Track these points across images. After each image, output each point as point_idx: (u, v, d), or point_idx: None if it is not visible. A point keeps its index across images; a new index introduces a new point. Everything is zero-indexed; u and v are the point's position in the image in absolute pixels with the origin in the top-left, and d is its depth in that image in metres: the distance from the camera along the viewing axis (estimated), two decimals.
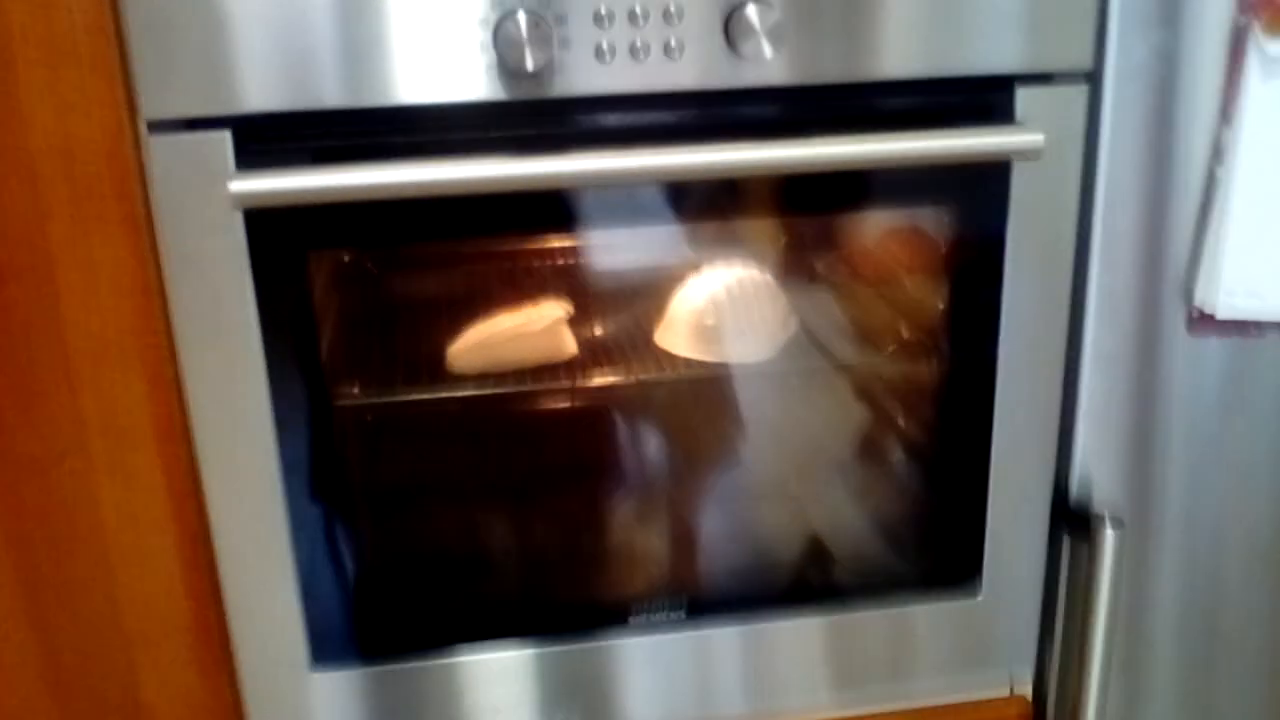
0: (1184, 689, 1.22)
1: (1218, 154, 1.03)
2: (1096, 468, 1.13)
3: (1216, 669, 1.22)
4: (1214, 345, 1.10)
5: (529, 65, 0.91)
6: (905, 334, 1.15)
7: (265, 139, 0.91)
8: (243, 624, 1.05)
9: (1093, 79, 1.01)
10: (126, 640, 1.05)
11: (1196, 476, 1.14)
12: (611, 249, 1.11)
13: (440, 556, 1.13)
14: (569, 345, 1.16)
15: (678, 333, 1.17)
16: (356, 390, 1.06)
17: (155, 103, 0.90)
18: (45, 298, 0.94)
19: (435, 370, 1.10)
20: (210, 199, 0.92)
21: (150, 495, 1.00)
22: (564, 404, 1.16)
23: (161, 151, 0.91)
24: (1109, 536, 1.10)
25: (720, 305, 1.16)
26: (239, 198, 0.89)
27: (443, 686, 1.10)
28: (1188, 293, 1.07)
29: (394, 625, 1.09)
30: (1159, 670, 1.21)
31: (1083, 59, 1.00)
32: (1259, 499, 1.16)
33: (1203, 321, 1.07)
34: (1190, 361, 1.10)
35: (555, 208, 1.00)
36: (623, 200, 1.02)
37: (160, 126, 0.90)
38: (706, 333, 1.17)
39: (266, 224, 0.93)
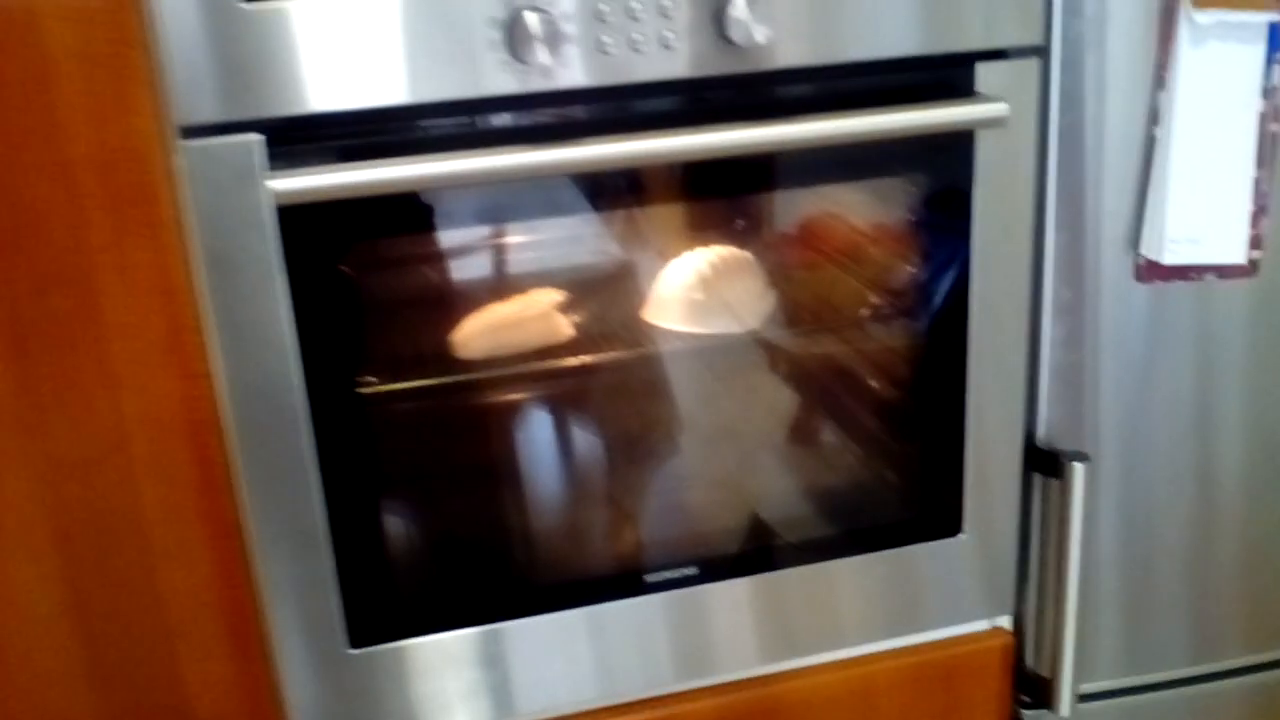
0: (1127, 608, 1.31)
1: (1154, 116, 1.13)
2: (1056, 411, 1.23)
3: (1154, 586, 1.30)
4: (1142, 294, 1.19)
5: (538, 60, 0.97)
6: (881, 298, 1.24)
7: (295, 140, 0.96)
8: (280, 611, 1.08)
9: (1041, 53, 1.11)
10: (167, 632, 1.08)
11: (1132, 416, 1.23)
12: (603, 233, 1.17)
13: (469, 534, 1.18)
14: (565, 328, 1.22)
15: (667, 309, 1.24)
16: (380, 379, 1.11)
17: (188, 109, 0.94)
18: (86, 303, 0.97)
19: (445, 357, 1.15)
20: (243, 200, 0.96)
21: (188, 490, 1.04)
22: (565, 383, 1.22)
23: (194, 156, 0.95)
24: (1077, 471, 1.20)
25: (705, 280, 1.23)
26: (278, 195, 0.93)
27: (478, 658, 1.16)
28: (1135, 243, 1.17)
29: (426, 603, 1.14)
30: (1106, 592, 1.29)
31: (1034, 34, 1.10)
32: (1184, 430, 1.25)
33: (1149, 269, 1.18)
34: (1128, 309, 1.19)
35: (562, 192, 1.06)
36: (614, 184, 1.09)
37: (193, 132, 0.94)
38: (694, 307, 1.24)
39: (299, 222, 0.98)
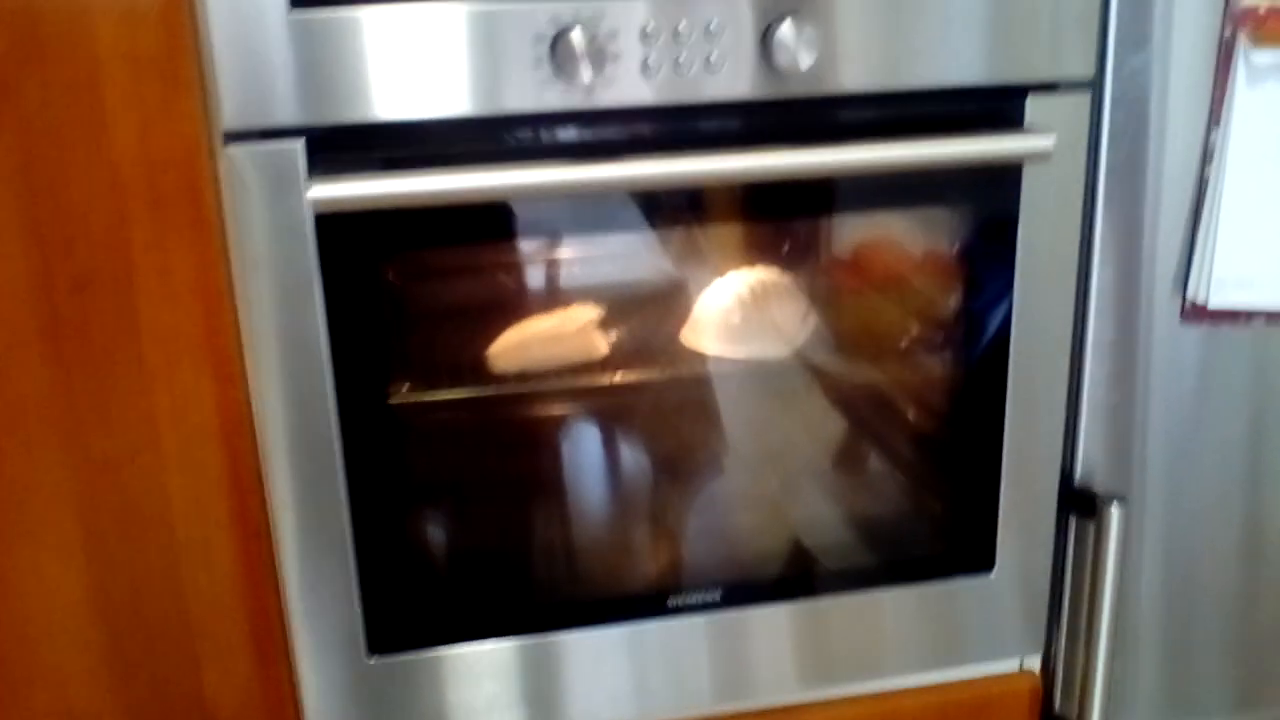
0: (1169, 655, 1.29)
1: (1208, 155, 1.11)
2: (1095, 451, 1.21)
3: (1197, 634, 1.29)
4: (1193, 337, 1.17)
5: (583, 78, 0.97)
6: (922, 328, 1.22)
7: (336, 148, 0.97)
8: (302, 615, 1.09)
9: (1094, 87, 1.10)
10: (190, 632, 1.09)
11: (1178, 458, 1.21)
12: (644, 251, 1.17)
13: (494, 547, 1.18)
14: (601, 345, 1.21)
15: (705, 331, 1.24)
16: (411, 389, 1.11)
17: (232, 114, 0.94)
18: (123, 301, 0.98)
19: (479, 370, 1.15)
20: (283, 206, 0.97)
21: (216, 490, 1.05)
22: (598, 401, 1.22)
23: (237, 161, 0.96)
24: (1114, 514, 1.17)
25: (744, 304, 1.23)
26: (316, 203, 0.94)
27: (502, 672, 1.15)
28: (1182, 285, 1.15)
29: (448, 613, 1.14)
30: (1146, 638, 1.28)
31: (1085, 69, 1.08)
32: (1234, 476, 1.24)
33: (1195, 311, 1.15)
34: (1175, 351, 1.18)
35: (598, 211, 1.06)
36: (657, 204, 1.09)
37: (236, 137, 0.95)
38: (732, 330, 1.23)
39: (337, 230, 0.98)
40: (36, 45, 0.91)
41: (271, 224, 0.98)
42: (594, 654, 1.17)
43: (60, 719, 1.09)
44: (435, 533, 1.14)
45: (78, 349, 0.99)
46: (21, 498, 1.02)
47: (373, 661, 1.11)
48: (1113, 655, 1.23)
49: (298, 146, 0.96)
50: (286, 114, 0.95)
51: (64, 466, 1.01)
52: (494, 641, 1.15)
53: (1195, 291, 1.14)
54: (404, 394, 1.11)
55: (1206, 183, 1.11)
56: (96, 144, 0.94)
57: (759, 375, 1.25)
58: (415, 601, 1.12)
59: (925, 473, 1.26)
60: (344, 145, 0.97)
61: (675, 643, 1.19)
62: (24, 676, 1.07)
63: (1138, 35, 1.09)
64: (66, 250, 0.96)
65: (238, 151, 0.96)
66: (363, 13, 0.94)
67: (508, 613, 1.15)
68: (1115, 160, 1.12)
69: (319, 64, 0.94)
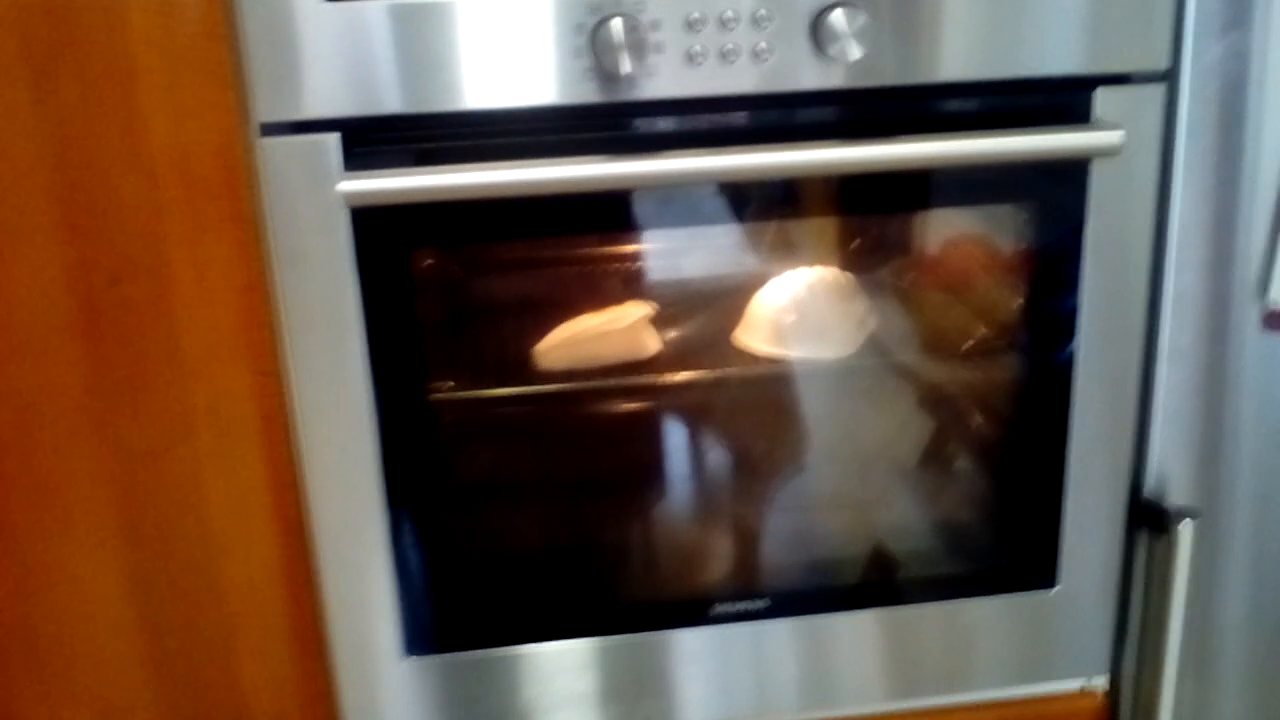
0: (1255, 683, 1.23)
1: None
2: (1170, 463, 1.15)
3: None
4: None
5: (624, 69, 0.94)
6: (982, 332, 1.17)
7: (372, 141, 0.95)
8: (338, 612, 1.08)
9: (1169, 79, 1.04)
10: (227, 626, 1.08)
11: (1267, 471, 1.16)
12: (694, 249, 1.14)
13: (527, 548, 1.16)
14: (652, 343, 1.19)
15: (758, 330, 1.20)
16: (451, 385, 1.09)
17: (268, 106, 0.93)
18: (159, 293, 0.98)
19: (523, 367, 1.13)
20: (318, 199, 0.96)
21: (253, 485, 1.04)
22: (646, 401, 1.19)
23: (272, 153, 0.95)
24: (1185, 528, 1.11)
25: (800, 303, 1.19)
26: (349, 196, 0.93)
27: (529, 674, 1.13)
28: (1261, 290, 1.08)
29: (485, 615, 1.12)
30: (1230, 665, 1.22)
31: (1159, 59, 1.02)
32: None
33: (1276, 319, 1.09)
34: (1262, 358, 1.12)
35: (644, 207, 1.03)
36: (706, 200, 1.05)
37: (272, 129, 0.94)
38: (786, 330, 1.19)
39: (372, 223, 0.97)
40: (71, 37, 0.90)
41: (307, 217, 0.96)
42: (636, 658, 1.14)
43: (97, 711, 1.09)
44: (474, 532, 1.12)
45: (114, 342, 0.98)
46: (59, 489, 1.02)
47: (409, 661, 1.10)
48: (1183, 679, 1.17)
49: (333, 139, 0.94)
50: (322, 106, 0.94)
51: (100, 459, 1.01)
52: (539, 645, 1.13)
53: (1276, 297, 1.08)
54: (446, 390, 1.09)
55: None
56: (132, 136, 0.93)
57: (815, 376, 1.21)
58: (453, 602, 1.10)
59: (984, 482, 1.21)
60: (380, 138, 0.95)
61: (721, 650, 1.15)
62: (62, 668, 1.08)
63: (1219, 23, 1.02)
64: (102, 243, 0.96)
65: (273, 144, 0.95)
66: (397, 4, 0.92)
67: (554, 615, 1.13)
68: (1194, 156, 1.06)
69: (354, 55, 0.93)
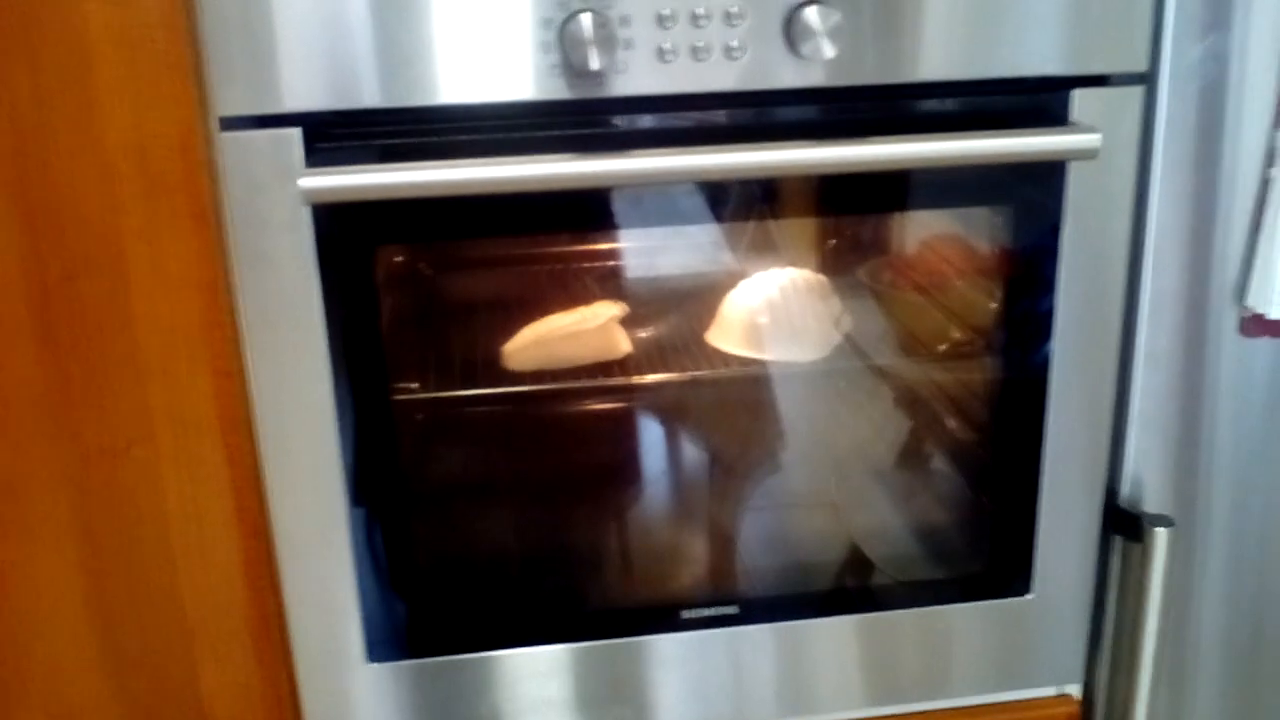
0: (1229, 691, 1.22)
1: (1271, 156, 1.03)
2: (1146, 469, 1.13)
3: (1262, 671, 1.22)
4: (1263, 347, 1.10)
5: (593, 65, 0.92)
6: (958, 335, 1.16)
7: (335, 137, 0.93)
8: (300, 616, 1.06)
9: (1147, 81, 1.02)
10: (186, 630, 1.06)
11: (1244, 479, 1.15)
12: (666, 248, 1.12)
13: (495, 552, 1.15)
14: (623, 344, 1.17)
15: (730, 331, 1.18)
16: (415, 386, 1.08)
17: (228, 100, 0.91)
18: (116, 290, 0.96)
19: (491, 368, 1.11)
20: (279, 195, 0.94)
21: (213, 486, 1.02)
22: (617, 402, 1.18)
23: (233, 148, 0.93)
24: (1160, 536, 1.10)
25: (773, 304, 1.17)
26: (308, 194, 0.90)
27: (495, 680, 1.11)
28: (1240, 294, 1.07)
29: (452, 619, 1.10)
30: (1205, 672, 1.21)
31: (1138, 61, 1.01)
32: None
33: (1254, 322, 1.08)
34: (1239, 363, 1.11)
35: (615, 206, 1.01)
36: (680, 199, 1.03)
37: (232, 123, 0.92)
38: (759, 331, 1.18)
39: (334, 220, 0.95)
40: (25, 26, 0.88)
41: (269, 214, 0.94)
42: (608, 663, 1.13)
43: (54, 715, 1.07)
44: (440, 535, 1.10)
45: (70, 339, 0.96)
46: (13, 489, 1.00)
47: (373, 666, 1.08)
48: (1157, 686, 1.15)
49: (295, 134, 0.92)
50: (284, 100, 0.92)
51: (56, 459, 0.99)
52: (508, 650, 1.11)
53: (1255, 301, 1.07)
54: (411, 390, 1.07)
55: (1269, 185, 1.03)
56: (88, 129, 0.91)
57: (789, 378, 1.20)
58: (419, 606, 1.08)
59: (962, 486, 1.20)
60: (343, 133, 0.94)
61: (691, 656, 1.14)
62: (19, 673, 1.06)
63: (1199, 25, 1.01)
64: (58, 238, 0.94)
65: (234, 138, 0.92)
66: None
67: (523, 620, 1.12)
68: (1172, 159, 1.05)
69: (316, 49, 0.91)
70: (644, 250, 1.13)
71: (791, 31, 0.95)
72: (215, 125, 0.92)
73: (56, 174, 0.92)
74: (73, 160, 0.92)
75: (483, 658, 1.11)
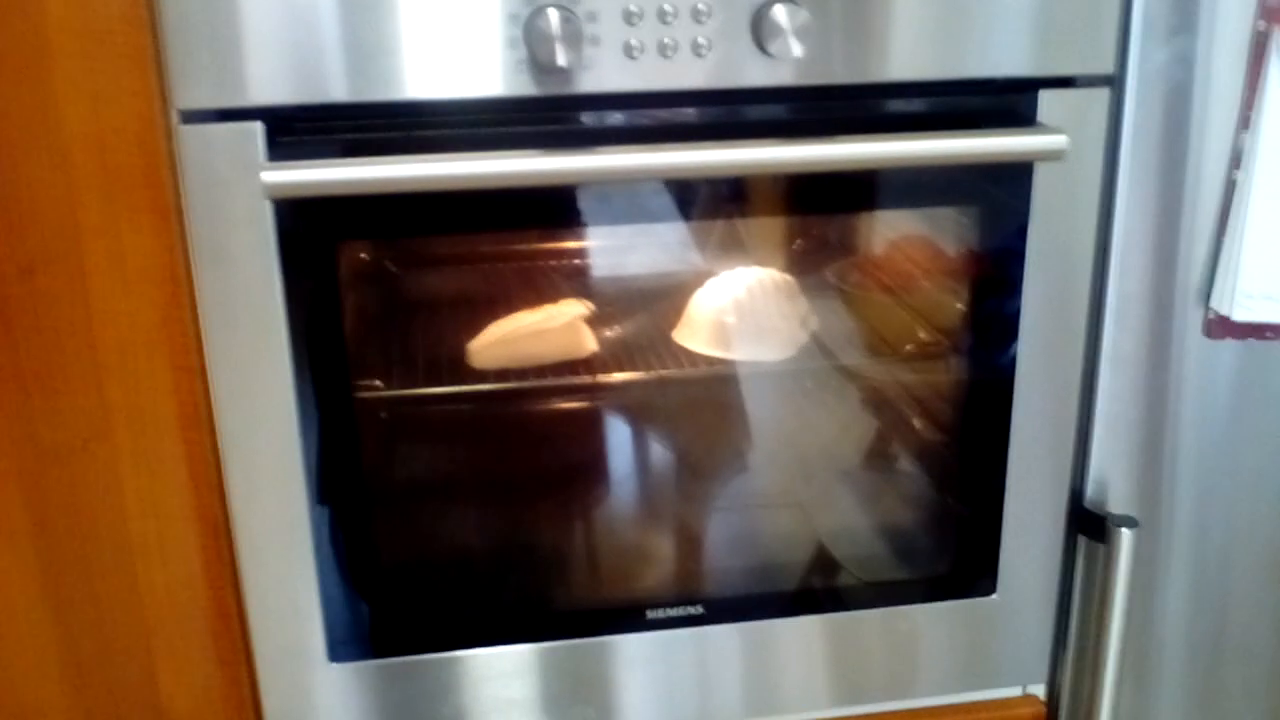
0: (1193, 692, 1.23)
1: (1236, 159, 1.04)
2: (1111, 470, 1.14)
3: (1225, 672, 1.23)
4: (1227, 349, 1.11)
5: (559, 61, 0.91)
6: (924, 335, 1.16)
7: (297, 131, 0.92)
8: (261, 615, 1.05)
9: (1114, 83, 1.02)
10: (146, 629, 1.05)
11: (1208, 480, 1.15)
12: (633, 247, 1.12)
13: (459, 552, 1.14)
14: (588, 342, 1.16)
15: (697, 330, 1.18)
16: (378, 384, 1.07)
17: (188, 93, 0.90)
18: (74, 285, 0.94)
19: (455, 366, 1.10)
20: (240, 190, 0.92)
21: (173, 484, 1.01)
22: (583, 401, 1.17)
23: (193, 142, 0.91)
24: (1124, 537, 1.10)
25: (740, 304, 1.17)
26: (270, 188, 0.89)
27: (459, 681, 1.11)
28: (1205, 296, 1.08)
29: (415, 619, 1.09)
30: (1169, 673, 1.22)
31: (1104, 63, 1.01)
32: (1269, 503, 1.17)
33: (1219, 324, 1.08)
34: (1204, 365, 1.11)
35: (582, 203, 1.01)
36: (647, 198, 1.03)
37: (192, 117, 0.91)
38: (726, 330, 1.17)
39: (296, 215, 0.94)
40: None
41: (230, 208, 0.93)
42: (573, 663, 1.12)
43: (10, 715, 1.06)
44: (404, 534, 1.09)
45: (27, 334, 0.95)
46: None
47: (333, 666, 1.07)
48: (1122, 687, 1.16)
49: (256, 128, 0.91)
50: (245, 93, 0.91)
51: (12, 455, 0.98)
52: (462, 650, 1.10)
53: (1219, 303, 1.07)
54: (374, 388, 1.06)
55: (1234, 188, 1.04)
56: (46, 122, 0.90)
57: (755, 378, 1.20)
58: (381, 606, 1.07)
59: (928, 486, 1.20)
60: (306, 127, 0.92)
61: (656, 656, 1.13)
62: None
63: (1165, 28, 1.01)
64: (15, 232, 0.92)
65: (194, 131, 0.91)
66: None
67: (488, 620, 1.11)
68: (1138, 161, 1.05)
69: (278, 42, 0.90)
70: (611, 249, 1.12)
71: (759, 29, 0.95)
72: (176, 118, 0.91)
73: (13, 168, 0.91)
74: (29, 153, 0.91)
75: (446, 658, 1.10)
